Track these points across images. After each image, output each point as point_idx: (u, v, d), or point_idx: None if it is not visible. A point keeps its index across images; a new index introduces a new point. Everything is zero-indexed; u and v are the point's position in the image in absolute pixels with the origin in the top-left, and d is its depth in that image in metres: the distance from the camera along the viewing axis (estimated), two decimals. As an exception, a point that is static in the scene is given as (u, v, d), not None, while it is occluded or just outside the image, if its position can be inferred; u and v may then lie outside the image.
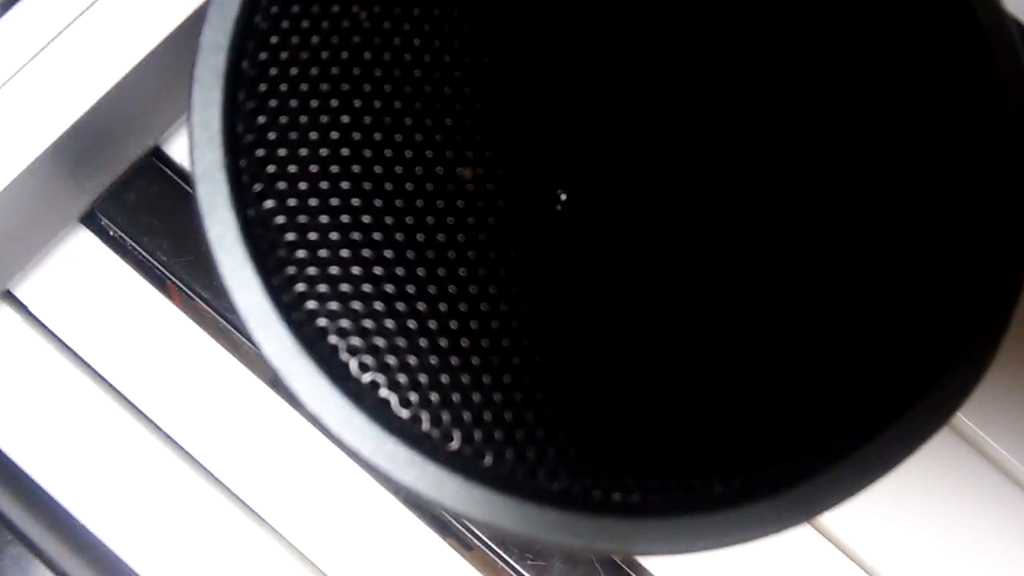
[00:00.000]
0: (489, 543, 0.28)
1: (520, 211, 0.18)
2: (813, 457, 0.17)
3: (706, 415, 0.18)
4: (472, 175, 0.18)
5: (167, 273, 0.28)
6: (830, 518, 0.29)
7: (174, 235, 0.28)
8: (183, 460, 0.28)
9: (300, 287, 0.17)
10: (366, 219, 0.17)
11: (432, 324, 0.17)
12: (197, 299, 0.29)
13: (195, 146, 0.17)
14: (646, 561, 0.28)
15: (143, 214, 0.28)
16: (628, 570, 0.28)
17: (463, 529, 0.28)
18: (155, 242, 0.28)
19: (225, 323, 0.29)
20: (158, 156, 0.29)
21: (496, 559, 0.28)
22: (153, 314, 0.29)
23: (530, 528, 0.17)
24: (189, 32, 0.28)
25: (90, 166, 0.28)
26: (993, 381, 0.20)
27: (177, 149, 0.30)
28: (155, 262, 0.28)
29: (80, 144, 0.27)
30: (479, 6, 0.18)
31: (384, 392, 0.17)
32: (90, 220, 0.29)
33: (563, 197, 0.18)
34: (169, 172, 0.29)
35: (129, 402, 0.29)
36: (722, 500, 0.17)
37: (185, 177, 0.29)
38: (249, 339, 0.27)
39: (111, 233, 0.29)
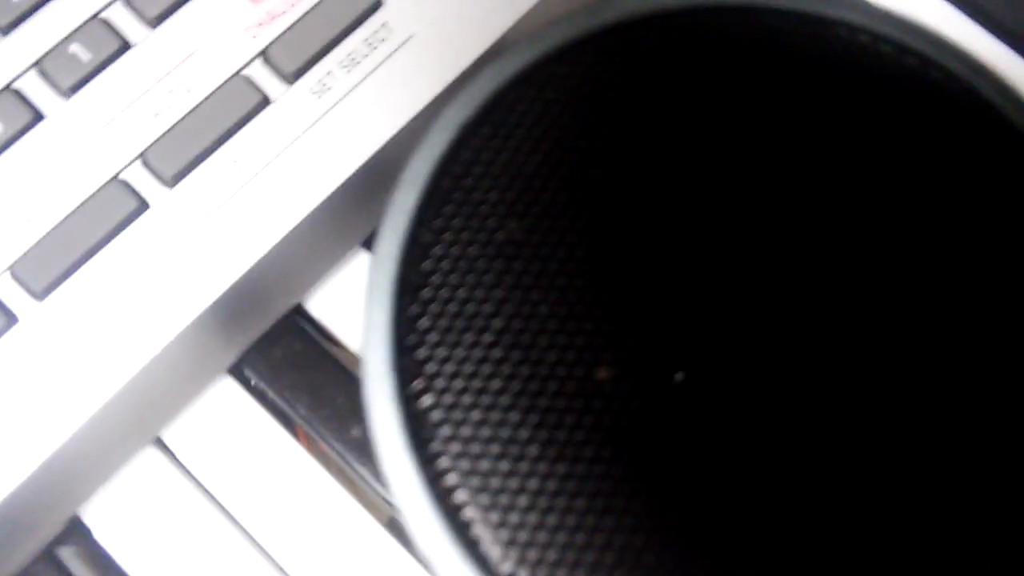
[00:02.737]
0: None
1: (651, 409, 0.19)
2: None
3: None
4: (609, 376, 0.19)
5: (304, 424, 0.30)
6: None
7: (312, 389, 0.30)
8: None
9: (452, 479, 0.19)
10: (513, 417, 0.19)
11: (572, 521, 0.18)
12: (330, 450, 0.30)
13: (367, 345, 0.19)
14: None
15: (285, 369, 0.31)
16: None
17: None
18: (295, 396, 0.30)
19: (351, 471, 0.31)
20: (300, 313, 0.32)
21: None
22: (288, 461, 0.31)
23: None
24: (332, 203, 0.30)
25: (241, 324, 0.31)
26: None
27: (317, 306, 0.32)
28: (294, 415, 0.30)
29: (234, 304, 0.30)
30: (608, 222, 0.20)
31: (523, 580, 0.18)
32: (236, 371, 0.31)
33: (679, 378, 0.19)
34: (310, 330, 0.31)
35: (257, 543, 0.30)
36: None
37: (325, 334, 0.32)
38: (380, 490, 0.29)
39: (253, 383, 0.31)
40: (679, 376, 0.20)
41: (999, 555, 0.18)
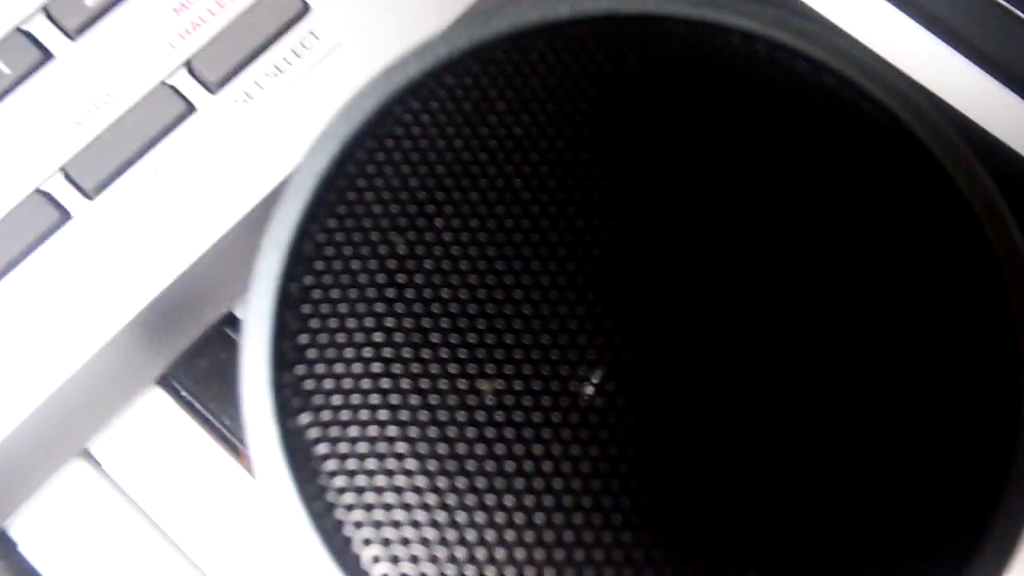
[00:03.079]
0: None
1: (535, 425, 0.19)
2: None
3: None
4: (491, 389, 0.19)
5: (230, 436, 0.30)
6: None
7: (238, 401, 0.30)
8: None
9: (330, 498, 0.18)
10: (393, 433, 0.19)
11: (460, 554, 0.18)
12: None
13: (244, 364, 0.19)
14: None
15: (212, 381, 0.30)
16: None
17: None
18: (221, 407, 0.30)
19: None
20: (230, 321, 0.32)
21: None
22: (219, 471, 0.31)
23: None
24: (260, 213, 0.30)
25: (167, 334, 0.30)
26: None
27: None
28: (220, 427, 0.30)
29: (160, 315, 0.30)
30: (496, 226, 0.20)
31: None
32: (164, 381, 0.31)
33: (593, 382, 0.19)
34: (237, 340, 0.31)
35: (187, 556, 0.30)
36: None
37: (252, 345, 0.31)
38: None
39: (183, 394, 0.31)
40: (588, 389, 0.19)
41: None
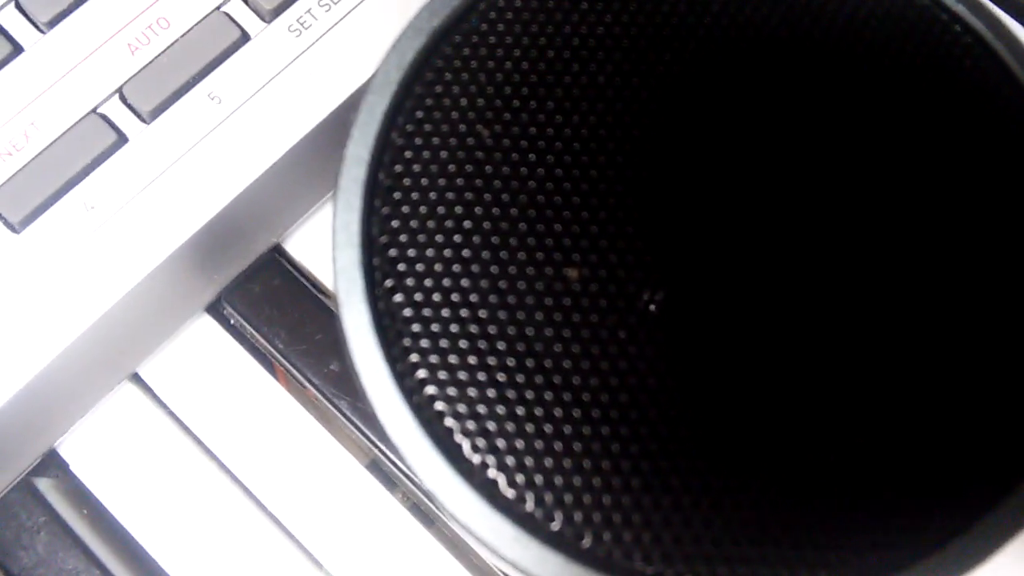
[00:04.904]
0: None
1: (620, 311, 0.20)
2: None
3: (793, 515, 0.19)
4: (578, 276, 0.20)
5: (281, 359, 0.30)
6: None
7: (291, 326, 0.30)
8: (284, 536, 0.30)
9: (422, 373, 0.19)
10: (482, 313, 0.19)
11: (538, 411, 0.19)
12: (307, 384, 0.31)
13: (336, 246, 0.19)
14: None
15: (264, 306, 0.31)
16: None
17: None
18: (273, 331, 0.30)
19: (330, 408, 0.31)
20: (279, 252, 0.32)
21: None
22: (265, 397, 0.31)
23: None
24: (309, 143, 0.31)
25: (219, 260, 0.31)
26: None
27: (296, 246, 0.32)
28: (272, 349, 0.30)
29: (212, 240, 0.30)
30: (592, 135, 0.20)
31: (492, 472, 0.19)
32: (214, 309, 0.31)
33: (657, 298, 0.20)
34: (289, 267, 0.32)
35: (235, 478, 0.30)
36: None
37: (303, 273, 0.32)
38: (359, 426, 0.29)
39: (232, 322, 0.31)
40: (658, 297, 0.20)
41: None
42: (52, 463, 0.30)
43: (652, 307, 0.20)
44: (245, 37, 0.30)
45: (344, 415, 0.30)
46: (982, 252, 0.20)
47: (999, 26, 0.21)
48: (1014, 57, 0.21)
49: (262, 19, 0.31)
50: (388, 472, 0.31)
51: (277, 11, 0.31)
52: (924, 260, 0.20)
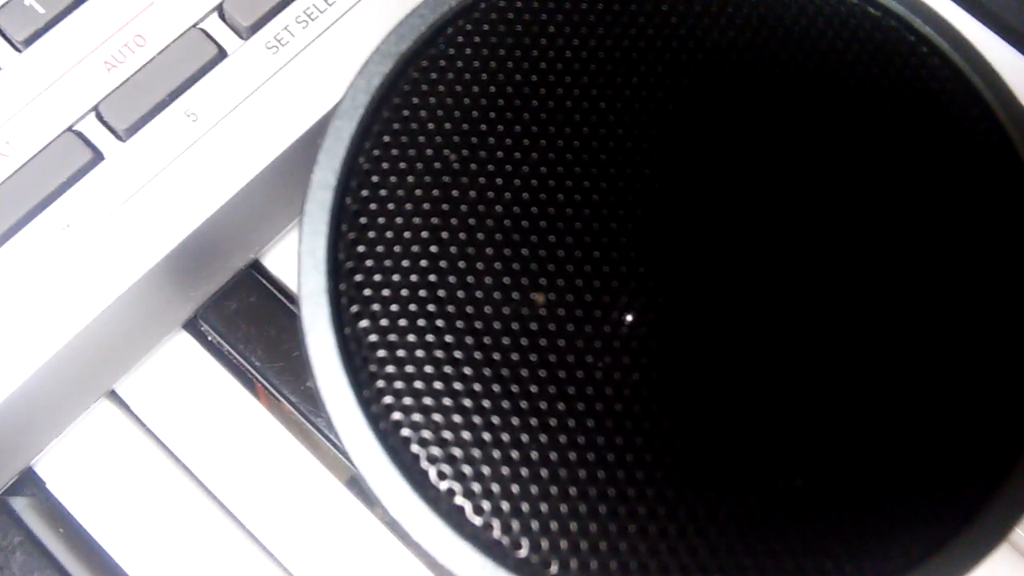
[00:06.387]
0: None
1: (586, 336, 0.19)
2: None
3: (779, 528, 0.19)
4: (544, 301, 0.20)
5: (258, 377, 0.30)
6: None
7: (268, 342, 0.30)
8: (263, 554, 0.30)
9: (388, 399, 0.19)
10: (448, 339, 0.19)
11: (505, 437, 0.19)
12: (284, 402, 0.31)
13: (302, 271, 0.19)
14: None
15: (241, 323, 0.31)
16: None
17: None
18: (250, 348, 0.30)
19: (308, 425, 0.31)
20: (257, 269, 0.32)
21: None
22: (243, 415, 0.31)
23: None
24: (287, 160, 0.31)
25: (196, 277, 0.31)
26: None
27: (273, 262, 0.32)
28: (249, 367, 0.30)
29: (188, 257, 0.30)
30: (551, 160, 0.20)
31: (459, 499, 0.19)
32: (191, 326, 0.31)
33: (625, 321, 0.20)
34: (266, 284, 0.32)
35: (213, 495, 0.30)
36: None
37: (281, 289, 0.32)
38: (337, 444, 0.29)
39: (209, 339, 0.31)
40: (625, 320, 0.20)
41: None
42: (28, 481, 0.30)
43: (619, 330, 0.20)
44: (222, 54, 0.30)
45: (322, 433, 0.30)
46: (958, 270, 0.20)
47: (965, 47, 0.21)
48: (979, 76, 0.21)
49: (239, 36, 0.31)
50: (367, 489, 0.31)
51: (255, 28, 0.31)
52: (900, 277, 0.20)
